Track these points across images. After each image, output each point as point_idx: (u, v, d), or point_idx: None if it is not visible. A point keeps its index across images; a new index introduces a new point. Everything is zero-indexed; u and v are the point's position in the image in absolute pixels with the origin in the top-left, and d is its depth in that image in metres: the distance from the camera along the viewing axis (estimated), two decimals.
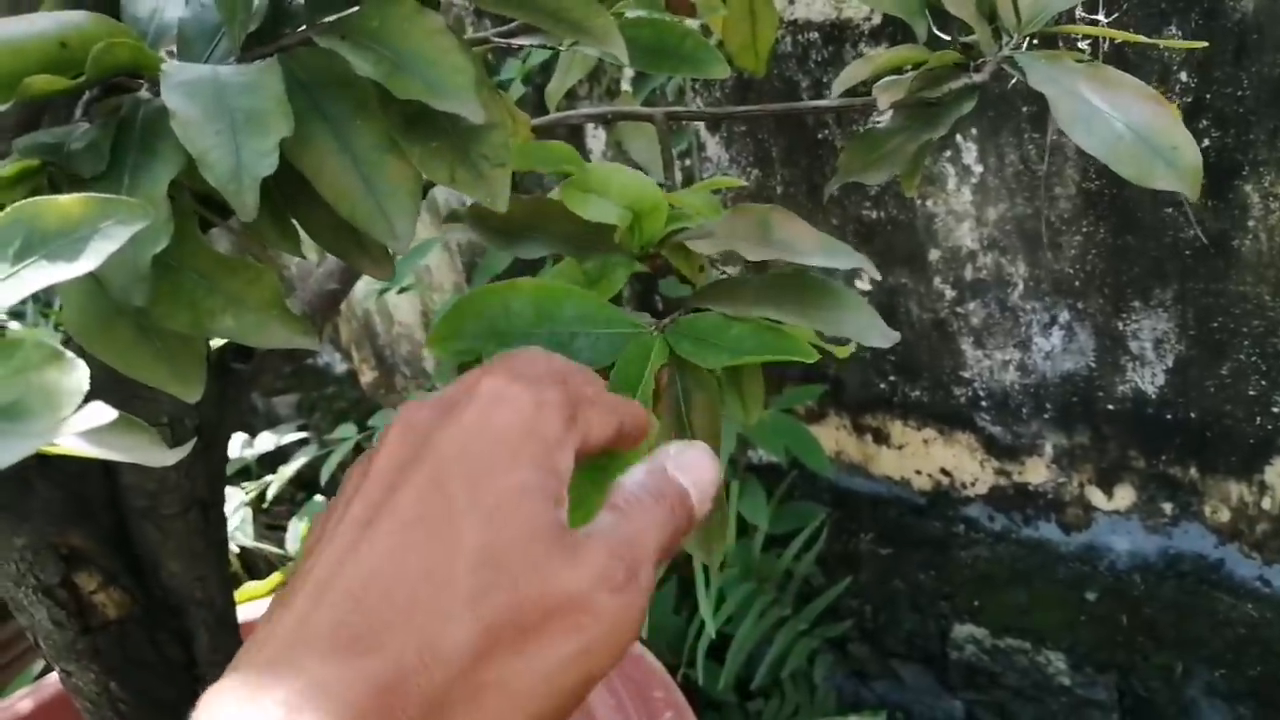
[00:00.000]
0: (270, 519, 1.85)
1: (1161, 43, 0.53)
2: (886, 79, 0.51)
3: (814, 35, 1.10)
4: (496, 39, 0.53)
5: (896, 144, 0.53)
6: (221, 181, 0.33)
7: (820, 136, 1.15)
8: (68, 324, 0.36)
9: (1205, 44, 0.55)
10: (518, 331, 0.39)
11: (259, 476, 1.54)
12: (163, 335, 0.37)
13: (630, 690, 0.91)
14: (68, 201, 0.29)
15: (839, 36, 1.09)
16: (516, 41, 0.52)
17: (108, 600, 0.54)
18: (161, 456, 0.29)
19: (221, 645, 0.59)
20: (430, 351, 0.39)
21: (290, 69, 0.36)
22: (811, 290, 0.43)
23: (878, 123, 0.56)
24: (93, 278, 0.36)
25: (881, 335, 0.42)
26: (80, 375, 0.26)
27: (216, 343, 0.58)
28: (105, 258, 0.29)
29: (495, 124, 0.38)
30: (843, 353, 0.46)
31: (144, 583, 0.56)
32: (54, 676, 0.57)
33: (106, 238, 0.29)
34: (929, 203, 1.10)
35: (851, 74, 0.52)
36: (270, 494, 1.36)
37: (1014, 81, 0.69)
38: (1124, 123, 0.49)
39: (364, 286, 1.45)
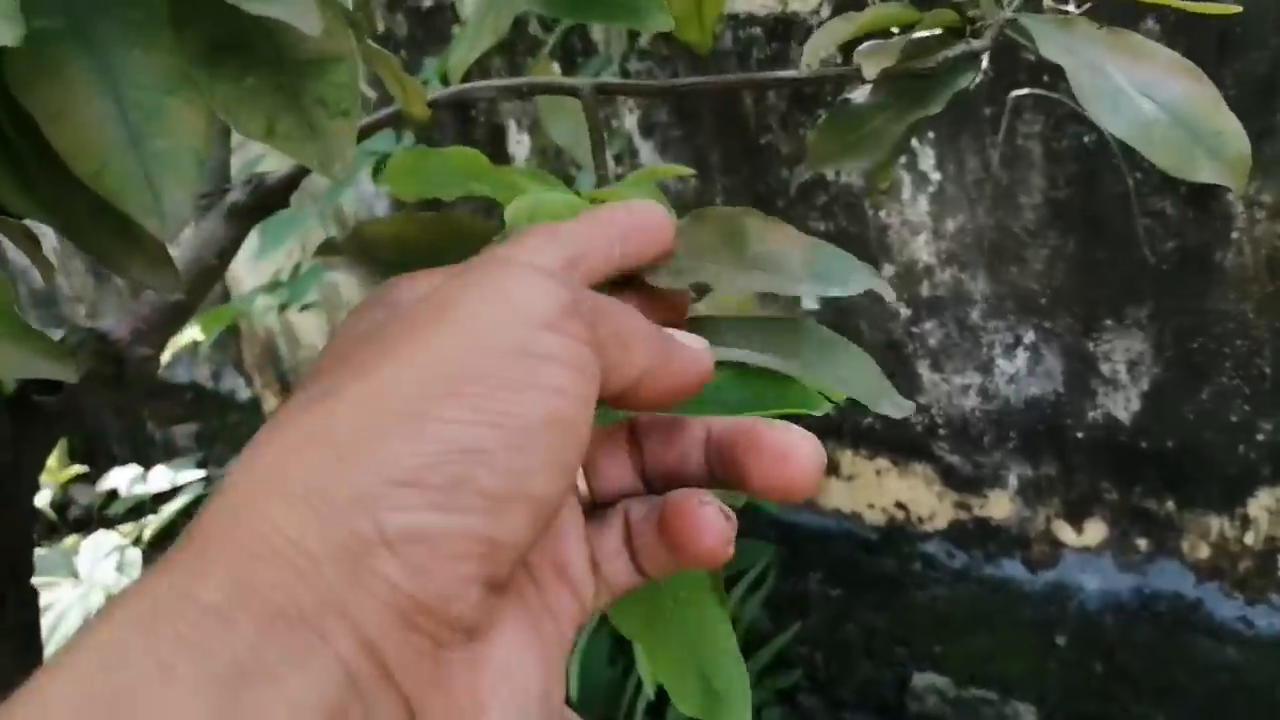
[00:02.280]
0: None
1: (1189, 6, 0.44)
2: (870, 44, 0.41)
3: (757, 30, 1.01)
4: None
5: (880, 123, 0.43)
6: None
7: (763, 141, 1.05)
8: None
9: (1238, 9, 0.46)
10: None
11: (156, 513, 1.38)
12: None
13: None
14: None
15: (784, 33, 1.00)
16: None
17: None
18: None
19: None
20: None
21: None
22: (804, 340, 0.32)
23: (849, 99, 0.46)
24: None
25: (894, 405, 0.32)
26: None
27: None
28: None
29: (339, 56, 0.27)
30: (836, 398, 0.35)
31: None
32: None
33: None
34: (882, 213, 1.01)
35: (829, 35, 0.42)
36: (147, 535, 1.20)
37: (977, 81, 0.60)
38: (1157, 103, 0.42)
39: (261, 301, 1.31)
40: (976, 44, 0.43)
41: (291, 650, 0.19)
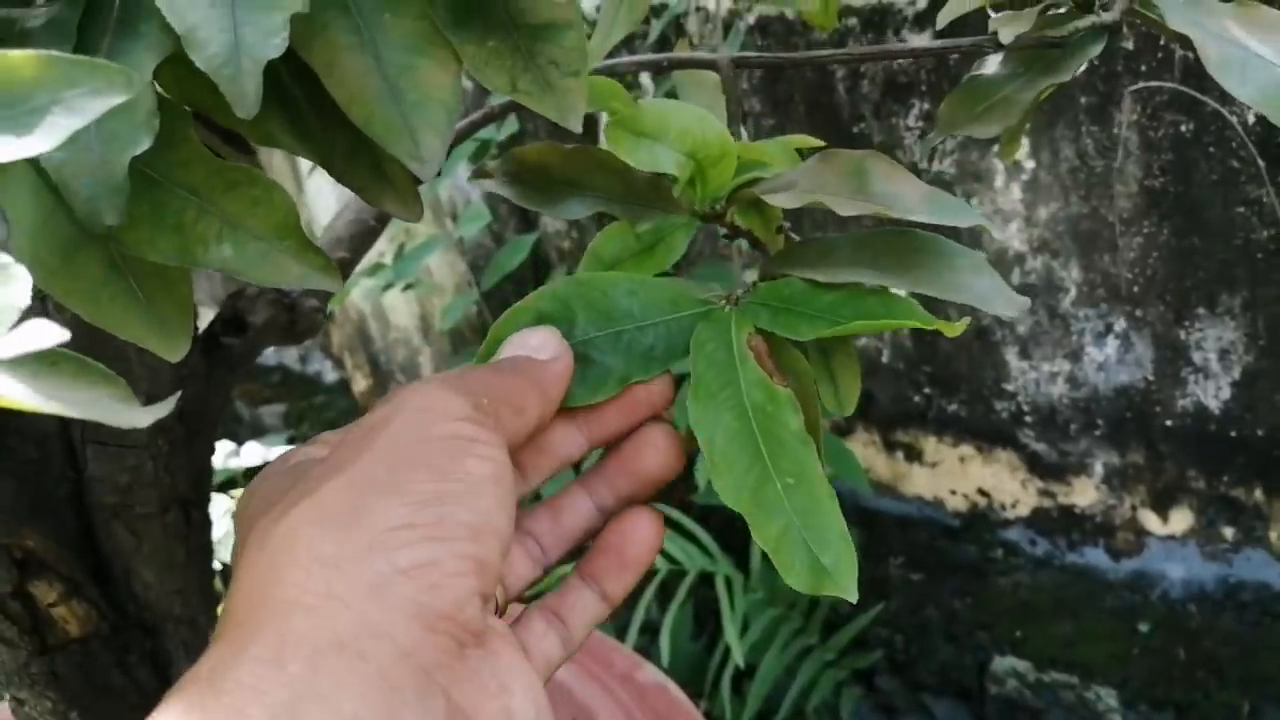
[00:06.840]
0: None
1: None
2: (1006, 14, 0.44)
3: (853, 21, 1.04)
4: None
5: (1010, 92, 0.46)
6: (214, 65, 0.25)
7: (856, 130, 1.07)
8: (16, 250, 0.27)
9: None
10: (574, 340, 0.32)
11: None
12: (140, 273, 0.29)
13: None
14: (19, 59, 0.21)
15: (880, 22, 1.02)
16: None
17: (69, 615, 0.46)
18: (133, 415, 0.21)
19: None
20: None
21: None
22: (918, 249, 0.35)
23: (979, 74, 0.48)
24: (49, 188, 0.28)
25: (1008, 303, 0.35)
26: (19, 289, 0.18)
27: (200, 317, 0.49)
28: (66, 136, 0.21)
29: (569, 23, 0.31)
30: (955, 330, 0.38)
31: (113, 595, 0.47)
32: (3, 706, 0.49)
33: (71, 111, 0.21)
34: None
35: (961, 3, 0.45)
36: None
37: (1081, 69, 0.62)
38: None
39: (360, 289, 1.37)
40: (1106, 16, 0.46)
41: (339, 676, 0.23)
